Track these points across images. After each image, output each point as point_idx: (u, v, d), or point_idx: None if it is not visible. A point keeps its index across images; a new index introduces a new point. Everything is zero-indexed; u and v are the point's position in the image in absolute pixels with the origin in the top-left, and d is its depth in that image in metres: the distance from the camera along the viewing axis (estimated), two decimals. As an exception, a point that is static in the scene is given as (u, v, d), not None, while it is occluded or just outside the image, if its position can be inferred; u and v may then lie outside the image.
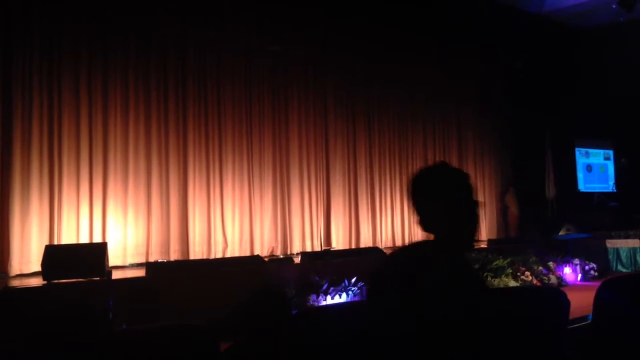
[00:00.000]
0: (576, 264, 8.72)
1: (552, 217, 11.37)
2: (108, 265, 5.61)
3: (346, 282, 6.27)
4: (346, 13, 8.87)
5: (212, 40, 7.95)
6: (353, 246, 9.10)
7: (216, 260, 7.34)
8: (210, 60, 7.94)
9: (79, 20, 6.87)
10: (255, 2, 8.20)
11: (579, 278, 8.66)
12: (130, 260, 7.03)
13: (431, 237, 1.67)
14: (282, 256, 7.99)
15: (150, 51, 7.45)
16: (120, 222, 7.06)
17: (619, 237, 9.87)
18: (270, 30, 8.38)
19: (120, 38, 7.20)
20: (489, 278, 7.43)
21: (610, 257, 9.81)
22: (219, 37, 7.99)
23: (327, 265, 6.54)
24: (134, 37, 7.33)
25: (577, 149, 12.14)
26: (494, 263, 7.70)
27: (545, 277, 8.06)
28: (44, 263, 5.10)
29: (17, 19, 6.45)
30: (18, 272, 6.16)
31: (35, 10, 6.58)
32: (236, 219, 8.02)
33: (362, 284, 6.37)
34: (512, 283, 7.55)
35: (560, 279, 8.29)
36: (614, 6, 9.99)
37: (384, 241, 9.61)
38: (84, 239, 6.74)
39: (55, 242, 6.44)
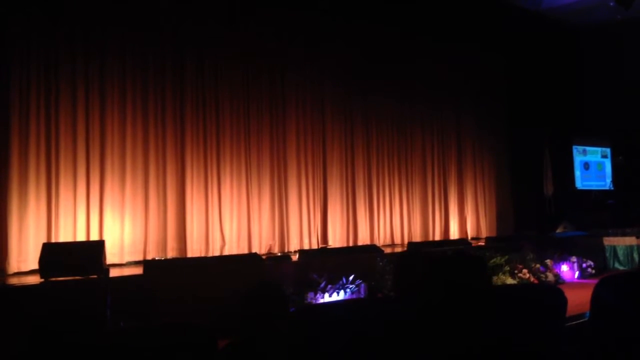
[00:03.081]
0: (573, 262, 8.73)
1: (549, 215, 11.39)
2: (105, 263, 5.61)
3: (344, 279, 6.28)
4: (343, 16, 8.90)
5: (210, 40, 7.93)
6: (351, 244, 9.11)
7: (214, 258, 7.35)
8: (209, 59, 7.92)
9: (77, 20, 6.84)
10: (253, 6, 8.20)
11: (576, 276, 8.68)
12: (127, 258, 7.02)
13: None
14: (279, 254, 7.98)
15: (147, 49, 7.43)
16: (117, 220, 7.05)
17: (616, 235, 9.89)
18: (268, 33, 8.39)
19: (118, 37, 7.17)
20: (487, 276, 7.43)
21: (608, 254, 9.84)
22: (218, 37, 7.98)
23: (324, 263, 6.54)
24: (132, 36, 7.29)
25: (574, 147, 12.16)
26: (492, 261, 7.71)
27: (542, 275, 8.07)
28: (41, 261, 5.09)
29: (15, 19, 6.42)
30: (16, 270, 6.15)
31: (33, 11, 6.55)
32: (234, 217, 8.01)
33: (360, 281, 6.38)
34: (510, 281, 7.57)
35: (558, 277, 8.31)
36: (611, 4, 10.01)
37: (382, 239, 9.61)
38: (82, 237, 6.72)
39: (53, 240, 6.44)
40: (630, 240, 9.63)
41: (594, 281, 2.44)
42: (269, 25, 8.37)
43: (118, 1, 7.15)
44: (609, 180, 12.50)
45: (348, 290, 6.24)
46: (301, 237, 8.65)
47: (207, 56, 7.91)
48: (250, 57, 8.32)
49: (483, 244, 8.91)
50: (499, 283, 7.33)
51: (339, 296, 6.15)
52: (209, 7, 7.86)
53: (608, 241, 9.89)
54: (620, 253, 9.71)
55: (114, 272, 5.72)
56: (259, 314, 2.25)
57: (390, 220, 9.84)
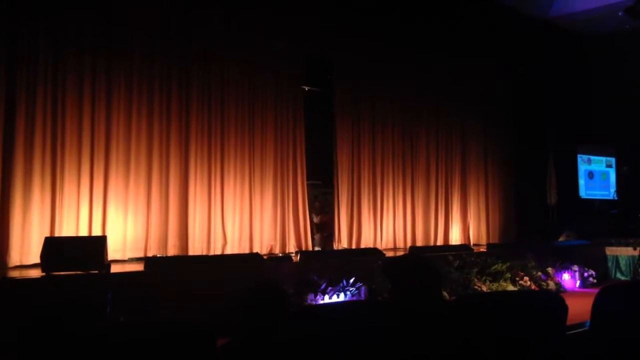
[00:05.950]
0: (575, 271, 8.71)
1: (552, 223, 11.35)
2: (107, 259, 5.61)
3: (344, 282, 6.27)
4: (349, 24, 8.94)
5: (216, 39, 7.95)
6: (353, 246, 9.10)
7: (215, 256, 7.35)
8: (215, 58, 7.94)
9: (84, 19, 6.86)
10: (260, 8, 8.22)
11: (577, 285, 8.65)
12: (129, 255, 7.04)
13: None
14: (280, 255, 7.99)
15: (154, 47, 7.46)
16: (120, 216, 7.07)
17: (619, 245, 9.86)
18: (275, 35, 8.40)
19: (125, 36, 7.21)
20: (487, 282, 7.43)
21: (610, 264, 9.81)
22: (224, 36, 8.00)
23: (325, 265, 6.53)
24: (139, 34, 7.32)
25: (579, 156, 12.12)
26: (493, 267, 7.69)
27: (543, 283, 8.04)
28: (43, 255, 5.09)
29: (22, 16, 6.45)
30: (18, 263, 6.18)
31: (40, 10, 6.57)
32: (236, 217, 8.02)
33: (361, 284, 6.37)
34: (510, 288, 7.54)
35: (559, 285, 8.28)
36: (620, 14, 9.99)
37: (385, 242, 9.59)
38: (84, 232, 6.75)
39: (56, 235, 6.45)
40: (633, 251, 9.59)
41: (595, 290, 2.44)
42: (276, 28, 8.37)
43: (126, 0, 7.17)
44: (613, 190, 12.45)
45: (348, 292, 6.23)
46: (302, 238, 8.64)
47: (213, 55, 7.93)
48: (256, 57, 8.33)
49: (485, 250, 8.89)
50: (499, 290, 7.30)
51: (339, 298, 6.14)
52: (215, 7, 7.87)
53: (610, 251, 9.86)
54: (622, 263, 9.68)
55: (115, 268, 5.72)
56: (258, 314, 2.25)
57: (394, 224, 9.83)
